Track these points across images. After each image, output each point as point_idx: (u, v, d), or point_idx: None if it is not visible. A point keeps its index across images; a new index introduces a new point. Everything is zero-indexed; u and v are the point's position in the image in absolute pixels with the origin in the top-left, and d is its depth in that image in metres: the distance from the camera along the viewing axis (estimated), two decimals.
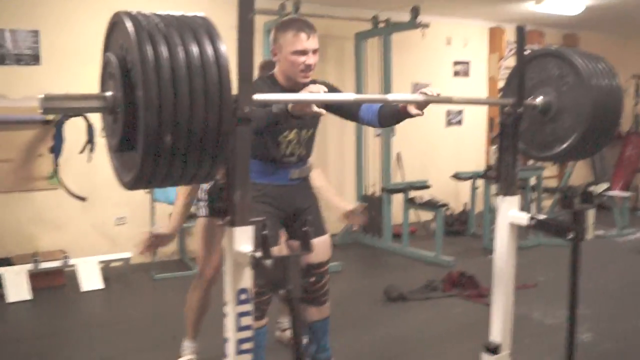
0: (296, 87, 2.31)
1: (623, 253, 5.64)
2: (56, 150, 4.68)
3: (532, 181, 6.18)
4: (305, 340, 2.75)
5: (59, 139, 4.66)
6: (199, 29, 1.36)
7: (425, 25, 5.56)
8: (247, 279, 1.61)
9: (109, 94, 1.42)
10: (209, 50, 1.34)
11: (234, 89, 1.43)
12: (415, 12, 5.52)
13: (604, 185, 6.62)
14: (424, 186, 5.87)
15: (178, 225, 2.86)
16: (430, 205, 5.51)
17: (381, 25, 5.93)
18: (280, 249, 2.58)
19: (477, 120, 7.47)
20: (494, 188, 2.39)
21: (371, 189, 6.26)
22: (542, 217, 2.23)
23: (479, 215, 6.35)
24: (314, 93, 2.08)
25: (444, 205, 5.50)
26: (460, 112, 7.43)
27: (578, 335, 3.31)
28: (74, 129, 4.67)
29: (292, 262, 1.45)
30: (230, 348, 1.61)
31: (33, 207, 4.87)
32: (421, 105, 2.18)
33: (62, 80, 4.74)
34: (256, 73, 3.22)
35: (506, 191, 2.29)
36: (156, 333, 3.64)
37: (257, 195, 2.40)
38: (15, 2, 4.72)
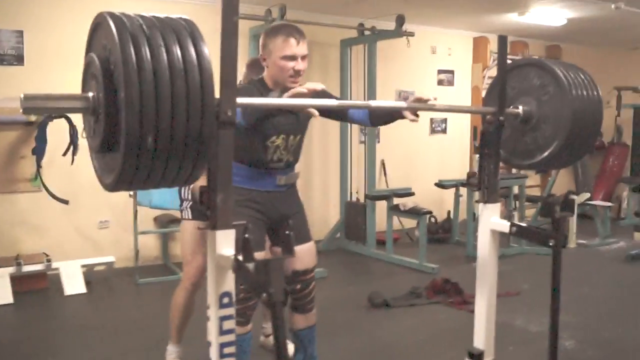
0: (285, 92, 2.31)
1: (606, 262, 5.70)
2: (39, 152, 4.63)
3: (515, 190, 6.24)
4: (291, 349, 2.75)
5: (41, 141, 4.61)
6: (182, 31, 1.36)
7: (410, 34, 5.62)
8: (229, 283, 1.61)
9: (90, 94, 1.42)
10: (192, 52, 1.34)
11: (218, 92, 1.43)
12: (400, 20, 5.58)
13: (586, 195, 6.70)
14: (407, 193, 5.89)
15: None
16: (414, 212, 5.53)
17: (367, 32, 5.97)
18: (265, 255, 2.57)
19: (461, 128, 7.53)
20: (477, 196, 2.41)
21: (355, 195, 6.27)
22: (523, 224, 2.26)
23: (462, 223, 6.38)
24: (301, 94, 2.07)
25: (428, 212, 5.53)
26: (444, 121, 7.49)
27: (562, 343, 3.35)
28: (56, 131, 4.62)
29: (274, 266, 1.45)
30: (214, 352, 1.61)
31: (15, 210, 4.82)
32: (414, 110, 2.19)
33: (46, 80, 4.70)
34: (243, 71, 3.23)
35: (487, 198, 2.31)
36: (140, 337, 3.61)
37: (242, 200, 2.40)
38: None
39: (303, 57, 2.35)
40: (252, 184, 2.46)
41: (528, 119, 2.34)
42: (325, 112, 2.49)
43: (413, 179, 6.79)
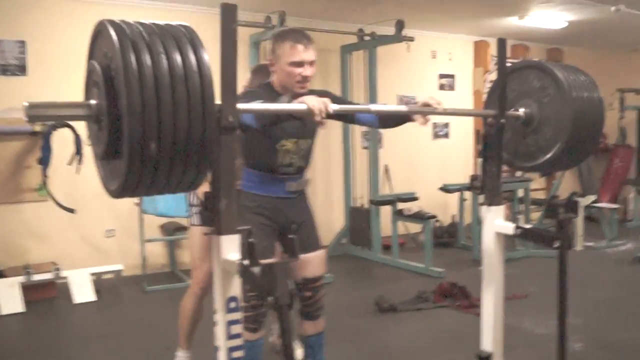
0: (294, 97, 2.31)
1: (613, 264, 5.68)
2: (44, 161, 4.66)
3: (520, 193, 6.22)
4: (300, 356, 2.74)
5: (46, 151, 4.64)
6: (182, 37, 1.37)
7: (410, 39, 5.62)
8: (236, 287, 1.62)
9: (93, 102, 1.43)
10: (192, 59, 1.35)
11: (219, 99, 1.44)
12: (400, 25, 5.59)
13: (592, 198, 6.68)
14: (412, 198, 5.88)
15: None
16: (419, 217, 5.52)
17: (366, 38, 5.98)
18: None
19: (464, 133, 7.53)
20: (482, 199, 2.41)
21: (359, 201, 6.27)
22: (527, 226, 2.26)
23: (467, 227, 6.37)
24: (301, 104, 2.07)
25: (433, 216, 5.52)
26: (446, 125, 7.48)
27: (569, 345, 3.32)
28: (61, 141, 4.66)
29: (280, 270, 1.46)
30: (222, 356, 1.61)
31: (22, 220, 4.85)
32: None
33: (49, 90, 4.73)
34: (247, 77, 3.24)
35: (491, 201, 2.31)
36: (149, 344, 3.62)
37: (252, 207, 2.39)
38: (1, 13, 4.73)
39: (311, 63, 2.33)
40: (263, 190, 2.44)
41: (529, 121, 2.35)
42: (333, 114, 2.48)
43: (416, 183, 6.78)
